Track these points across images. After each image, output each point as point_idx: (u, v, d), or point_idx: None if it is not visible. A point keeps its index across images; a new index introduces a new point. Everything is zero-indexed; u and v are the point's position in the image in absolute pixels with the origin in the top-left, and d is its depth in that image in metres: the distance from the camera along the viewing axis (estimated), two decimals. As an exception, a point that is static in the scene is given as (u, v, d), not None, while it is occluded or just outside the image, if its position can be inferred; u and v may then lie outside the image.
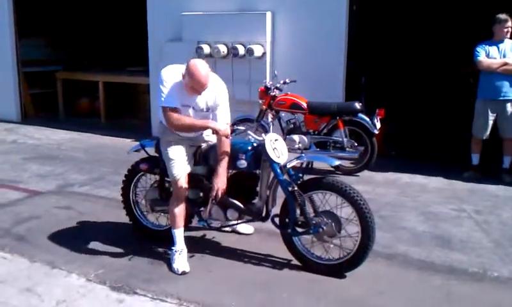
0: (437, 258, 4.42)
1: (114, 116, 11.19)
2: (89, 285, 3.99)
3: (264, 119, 7.19)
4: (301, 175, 4.16)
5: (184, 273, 4.17)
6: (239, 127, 4.40)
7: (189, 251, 4.36)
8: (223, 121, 4.18)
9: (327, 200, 4.14)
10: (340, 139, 6.82)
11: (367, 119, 6.75)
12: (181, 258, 4.25)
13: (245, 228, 4.90)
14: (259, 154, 4.15)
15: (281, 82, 7.16)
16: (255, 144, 4.19)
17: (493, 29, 6.50)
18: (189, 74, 3.91)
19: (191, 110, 4.15)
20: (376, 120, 6.72)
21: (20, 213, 5.54)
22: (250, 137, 4.26)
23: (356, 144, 6.84)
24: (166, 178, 4.56)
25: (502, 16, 6.42)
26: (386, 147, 7.66)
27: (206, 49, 8.34)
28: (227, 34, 8.27)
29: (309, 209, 4.10)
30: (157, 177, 4.66)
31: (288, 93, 7.16)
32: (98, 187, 6.43)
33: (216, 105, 4.19)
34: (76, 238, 4.88)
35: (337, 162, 4.36)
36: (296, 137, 6.74)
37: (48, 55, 12.25)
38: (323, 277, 4.07)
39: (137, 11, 10.07)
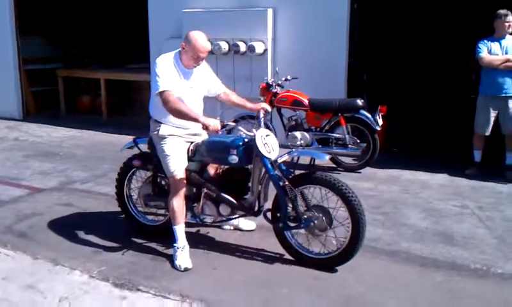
0: (439, 255, 4.42)
1: (116, 113, 11.18)
2: (92, 282, 3.99)
3: (267, 117, 7.18)
4: (292, 170, 4.20)
5: (186, 270, 4.17)
6: (229, 123, 4.47)
7: (191, 248, 4.36)
8: (220, 88, 4.65)
9: (314, 195, 4.18)
10: (342, 136, 6.81)
11: (369, 115, 6.74)
12: (183, 254, 4.25)
13: (247, 224, 4.91)
14: (251, 149, 4.17)
15: (283, 79, 7.15)
16: (246, 140, 4.21)
17: (494, 25, 6.49)
18: (190, 41, 4.17)
19: (190, 91, 4.32)
20: (377, 117, 6.70)
21: (22, 210, 5.54)
22: (241, 132, 4.30)
23: (358, 141, 6.82)
24: (159, 174, 4.63)
25: (503, 11, 6.41)
26: (388, 144, 7.65)
27: (207, 46, 8.32)
28: (228, 31, 8.25)
29: (300, 203, 4.14)
30: (150, 173, 4.71)
31: (290, 89, 7.15)
32: (100, 184, 6.43)
33: (208, 78, 4.55)
34: (78, 235, 4.88)
35: (328, 157, 4.37)
36: (297, 134, 6.74)
37: (49, 52, 12.23)
38: (325, 274, 4.07)
39: (138, 8, 10.06)
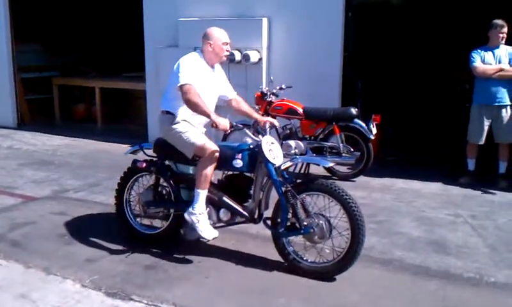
0: (433, 263, 4.42)
1: (111, 121, 11.18)
2: (85, 291, 3.97)
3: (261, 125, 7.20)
4: (294, 179, 4.24)
5: (214, 238, 4.33)
6: (238, 124, 4.51)
7: (185, 256, 4.36)
8: (232, 93, 4.80)
9: (316, 202, 4.20)
10: (336, 145, 6.83)
11: (363, 124, 6.76)
12: (207, 221, 4.32)
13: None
14: (255, 156, 4.25)
15: (278, 87, 7.18)
16: (251, 146, 4.29)
17: (489, 35, 6.53)
18: (213, 35, 4.45)
19: (210, 90, 4.49)
20: (371, 126, 6.73)
21: (15, 219, 5.52)
22: (247, 139, 4.36)
23: (352, 150, 6.83)
24: (161, 181, 4.69)
25: (499, 21, 6.44)
26: (382, 152, 7.67)
27: (202, 55, 8.34)
28: (223, 39, 8.27)
29: (301, 210, 4.16)
30: (153, 179, 4.75)
31: (285, 98, 7.17)
32: (94, 193, 6.41)
33: (223, 82, 4.73)
34: (71, 244, 4.87)
35: (330, 164, 4.42)
36: (292, 143, 6.75)
37: (45, 61, 12.24)
38: (320, 283, 4.07)
39: (134, 17, 10.08)
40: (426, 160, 8.11)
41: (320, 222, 4.10)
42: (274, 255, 4.36)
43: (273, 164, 4.16)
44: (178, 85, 4.26)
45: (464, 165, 6.82)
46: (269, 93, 7.13)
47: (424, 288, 4.02)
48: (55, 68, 12.24)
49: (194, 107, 4.25)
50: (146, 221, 4.95)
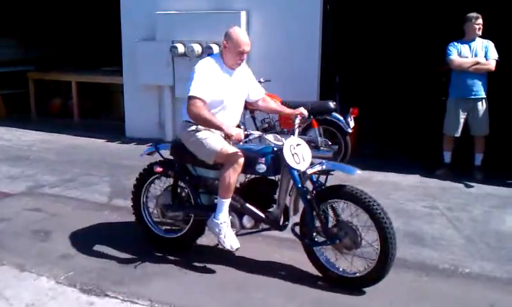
0: (409, 255, 4.45)
1: (88, 116, 11.05)
2: (59, 288, 3.92)
3: (241, 120, 7.18)
4: (323, 182, 4.01)
5: (237, 249, 4.13)
6: (253, 132, 4.22)
7: (163, 253, 4.32)
8: (260, 93, 4.59)
9: (344, 210, 3.99)
10: (314, 138, 6.83)
11: (341, 118, 6.79)
12: (230, 231, 4.10)
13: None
14: (279, 159, 3.98)
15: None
16: (275, 149, 4.03)
17: (464, 28, 6.58)
18: (232, 36, 4.16)
19: (233, 92, 4.23)
20: (349, 119, 6.76)
21: (-12, 215, 5.43)
22: (269, 142, 4.06)
23: (330, 143, 6.86)
24: (179, 183, 4.45)
25: (473, 14, 6.51)
26: (360, 145, 7.71)
27: (180, 48, 8.29)
28: (201, 33, 8.22)
29: (330, 217, 3.96)
30: (171, 181, 4.51)
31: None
32: (70, 189, 6.32)
33: (250, 82, 4.49)
34: (46, 240, 4.80)
35: (359, 172, 4.06)
36: (270, 137, 6.72)
37: (20, 55, 12.04)
38: (301, 279, 4.04)
39: (111, 10, 9.96)
40: (404, 152, 8.16)
41: (348, 232, 3.84)
42: (253, 252, 4.36)
43: (297, 170, 3.93)
44: (187, 95, 4.02)
45: (441, 158, 6.88)
46: (247, 87, 7.11)
47: (400, 279, 4.05)
48: (30, 62, 12.04)
49: (202, 122, 4.00)
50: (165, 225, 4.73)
